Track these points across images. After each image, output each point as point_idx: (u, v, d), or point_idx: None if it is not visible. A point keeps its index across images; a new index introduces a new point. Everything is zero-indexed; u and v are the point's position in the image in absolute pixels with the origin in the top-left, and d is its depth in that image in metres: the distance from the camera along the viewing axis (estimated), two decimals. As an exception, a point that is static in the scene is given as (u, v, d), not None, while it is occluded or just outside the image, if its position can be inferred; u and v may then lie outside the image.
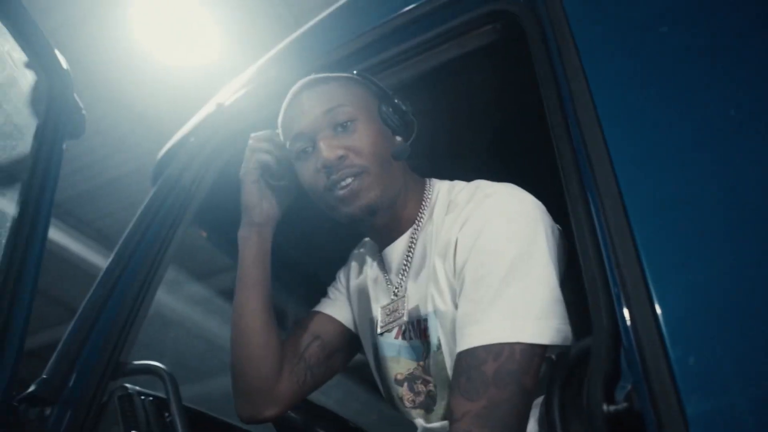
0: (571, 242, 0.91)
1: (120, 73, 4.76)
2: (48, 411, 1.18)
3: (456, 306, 1.04)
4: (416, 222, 1.20)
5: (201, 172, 1.49)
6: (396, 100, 1.20)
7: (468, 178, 1.22)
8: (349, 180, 1.11)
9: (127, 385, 1.25)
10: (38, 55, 1.29)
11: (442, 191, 1.20)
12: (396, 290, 1.21)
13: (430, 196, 1.21)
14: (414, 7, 1.28)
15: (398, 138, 1.21)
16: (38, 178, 1.27)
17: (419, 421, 1.17)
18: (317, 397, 1.59)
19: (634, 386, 0.65)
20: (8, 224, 1.21)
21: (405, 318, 1.16)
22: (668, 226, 0.72)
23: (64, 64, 1.37)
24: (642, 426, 0.63)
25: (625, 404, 0.66)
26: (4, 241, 1.18)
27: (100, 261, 5.94)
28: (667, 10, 0.91)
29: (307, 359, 1.29)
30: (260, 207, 1.26)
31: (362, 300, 1.32)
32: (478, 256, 1.01)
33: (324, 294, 1.43)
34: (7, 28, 1.21)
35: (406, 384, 1.18)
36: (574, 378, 0.79)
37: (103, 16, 4.34)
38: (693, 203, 0.72)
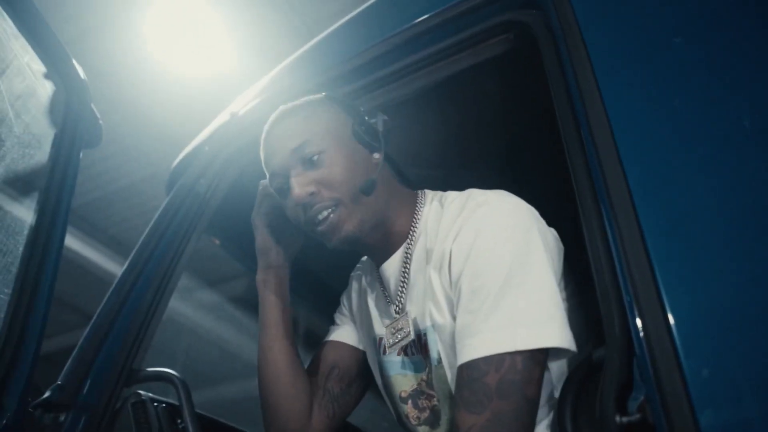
0: (582, 252, 0.91)
1: (135, 82, 4.82)
2: (63, 417, 1.19)
3: (454, 318, 1.03)
4: (409, 236, 1.19)
5: (215, 181, 1.51)
6: (366, 117, 1.19)
7: (480, 188, 1.22)
8: (324, 214, 1.12)
9: (141, 391, 1.26)
10: (56, 66, 1.32)
11: (434, 203, 1.19)
12: (397, 308, 1.19)
13: (422, 209, 1.20)
14: (427, 18, 1.28)
15: (375, 155, 1.19)
16: (55, 187, 1.29)
17: None
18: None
19: (647, 397, 0.65)
20: (26, 232, 1.22)
21: (412, 335, 1.15)
22: (681, 235, 0.72)
23: (82, 75, 1.39)
24: (655, 437, 0.63)
25: (638, 415, 0.65)
26: (21, 249, 1.20)
27: (114, 267, 6.00)
28: (680, 17, 0.91)
29: (330, 391, 1.30)
30: (275, 249, 1.30)
31: (365, 319, 1.32)
32: (472, 267, 1.00)
33: (333, 303, 1.44)
34: (27, 40, 1.23)
35: (410, 401, 1.18)
36: (586, 389, 0.78)
37: (118, 28, 4.40)
38: (706, 212, 0.72)
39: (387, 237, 1.19)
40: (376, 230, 1.17)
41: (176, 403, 1.25)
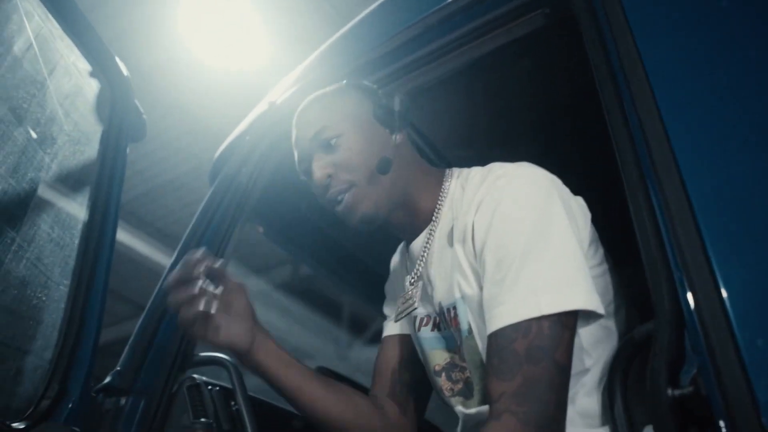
0: (629, 228, 0.89)
1: (173, 78, 4.92)
2: (123, 401, 1.24)
3: (482, 289, 1.04)
4: (435, 214, 1.20)
5: (257, 170, 1.53)
6: (385, 100, 1.21)
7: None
8: (341, 197, 1.16)
9: (195, 375, 1.30)
10: (101, 64, 1.36)
11: (459, 179, 1.20)
12: (412, 279, 1.22)
13: (447, 187, 1.21)
14: (459, -3, 1.27)
15: (395, 136, 1.20)
16: (105, 181, 1.34)
17: (459, 409, 1.17)
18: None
19: (700, 369, 0.64)
20: (80, 226, 1.28)
21: (416, 305, 1.18)
22: (731, 205, 0.70)
23: (125, 72, 1.43)
24: (708, 410, 0.62)
25: (690, 388, 0.65)
26: (76, 242, 1.25)
27: (162, 258, 6.17)
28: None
29: (406, 383, 1.32)
30: (236, 340, 1.08)
31: (400, 301, 1.33)
32: (495, 238, 1.01)
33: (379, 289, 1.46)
34: (72, 40, 1.27)
35: (443, 374, 1.19)
36: (636, 362, 0.77)
37: (155, 25, 4.50)
38: (756, 182, 0.70)
39: (413, 215, 1.21)
40: (399, 209, 1.19)
41: (229, 386, 1.29)
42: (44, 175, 1.22)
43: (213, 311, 1.01)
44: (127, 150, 1.45)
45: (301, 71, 1.60)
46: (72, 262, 1.24)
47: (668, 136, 0.78)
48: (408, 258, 1.28)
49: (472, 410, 1.13)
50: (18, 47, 1.13)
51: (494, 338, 0.95)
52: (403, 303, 1.23)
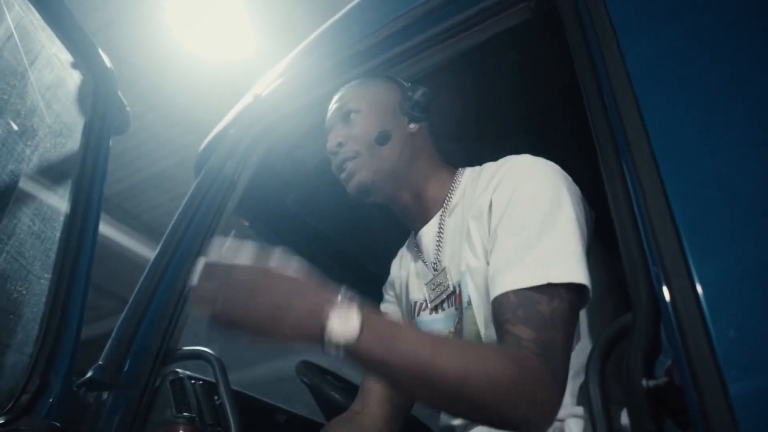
0: (608, 220, 0.90)
1: (160, 70, 4.88)
2: (105, 395, 1.24)
3: (488, 264, 1.06)
4: (445, 202, 1.25)
5: (242, 162, 1.52)
6: (410, 93, 1.29)
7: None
8: (346, 164, 1.25)
9: (178, 370, 1.29)
10: (83, 56, 1.35)
11: (473, 172, 1.26)
12: (435, 264, 1.25)
13: (459, 179, 1.27)
14: (447, -11, 1.27)
15: (412, 125, 1.29)
16: (87, 174, 1.33)
17: None
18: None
19: (674, 360, 0.65)
20: (61, 218, 1.27)
21: (451, 288, 1.19)
22: (706, 200, 0.71)
23: (108, 63, 1.42)
24: (682, 401, 0.63)
25: (665, 379, 0.66)
26: (58, 235, 1.24)
27: (148, 252, 6.13)
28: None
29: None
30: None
31: (404, 290, 1.37)
32: (513, 213, 1.05)
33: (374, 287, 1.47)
34: (54, 31, 1.26)
35: None
36: (614, 353, 0.78)
37: (141, 16, 4.46)
38: (732, 179, 0.71)
39: (422, 202, 1.27)
40: (405, 191, 1.26)
41: (213, 380, 1.29)
42: (25, 167, 1.21)
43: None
44: (111, 142, 1.44)
45: (287, 63, 1.60)
46: (53, 256, 1.23)
47: (647, 132, 0.79)
48: (417, 247, 1.32)
49: None
50: (-3, 37, 1.12)
51: (511, 295, 0.95)
52: (434, 289, 1.24)
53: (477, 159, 1.30)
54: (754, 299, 0.63)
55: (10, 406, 1.10)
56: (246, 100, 1.62)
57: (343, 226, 1.97)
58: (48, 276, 1.21)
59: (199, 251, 1.42)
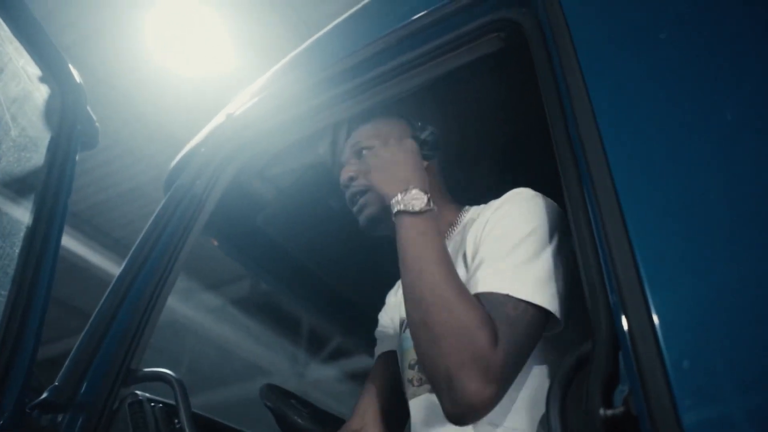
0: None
1: (138, 85, 4.85)
2: (60, 417, 1.20)
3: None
4: (448, 231, 1.33)
5: (212, 181, 1.51)
6: (419, 132, 1.38)
7: (474, 186, 1.24)
8: (357, 198, 1.34)
9: (138, 392, 1.26)
10: (52, 69, 1.33)
11: (477, 207, 1.33)
12: None
13: (464, 216, 1.33)
14: (419, 17, 1.29)
15: (425, 162, 1.32)
16: (52, 189, 1.30)
17: (423, 398, 1.20)
18: (327, 402, 1.60)
19: (631, 390, 0.65)
20: (22, 234, 1.24)
21: None
22: (665, 233, 0.72)
23: (78, 78, 1.40)
24: (638, 430, 0.63)
25: (622, 408, 0.66)
26: (17, 251, 1.21)
27: (117, 270, 6.02)
28: (668, 16, 0.91)
29: (396, 401, 1.37)
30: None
31: (396, 312, 1.44)
32: (499, 227, 1.10)
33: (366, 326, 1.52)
34: (22, 44, 1.24)
35: (417, 366, 1.24)
36: (573, 382, 0.79)
37: (120, 31, 4.43)
38: (690, 212, 0.73)
39: None
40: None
41: (173, 403, 1.26)
42: (-14, 180, 1.18)
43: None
44: (78, 158, 1.41)
45: (261, 84, 1.60)
46: (11, 272, 1.20)
47: (608, 161, 0.80)
48: None
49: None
50: (-37, 49, 1.10)
51: (487, 296, 1.00)
52: None
53: (453, 182, 1.31)
54: (709, 331, 0.64)
55: (-43, 427, 1.06)
56: (218, 119, 1.61)
57: (311, 246, 1.96)
58: (5, 293, 1.18)
59: (165, 270, 1.40)
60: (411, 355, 1.25)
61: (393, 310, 1.49)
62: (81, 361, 1.26)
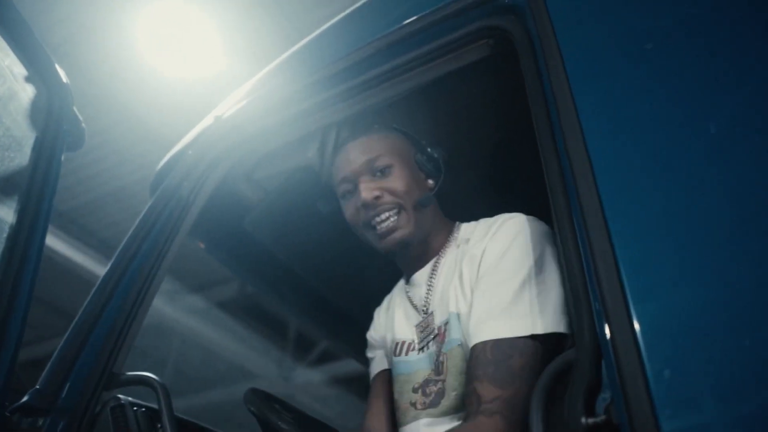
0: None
1: (127, 85, 4.81)
2: (41, 421, 1.19)
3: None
4: (442, 249, 1.35)
5: (199, 183, 1.51)
6: (429, 149, 1.39)
7: (462, 192, 1.25)
8: (384, 215, 1.30)
9: (120, 396, 1.25)
10: (38, 69, 1.32)
11: (469, 225, 1.35)
12: (425, 308, 1.32)
13: (456, 233, 1.35)
14: (409, 23, 1.29)
15: (430, 181, 1.39)
16: (36, 189, 1.29)
17: (424, 421, 1.22)
18: (316, 408, 1.60)
19: (613, 399, 0.65)
20: (4, 235, 1.22)
21: (436, 331, 1.26)
22: (648, 243, 0.73)
23: (64, 78, 1.39)
24: (619, 439, 0.63)
25: (603, 416, 0.66)
26: (0, 249, 1.20)
27: (102, 270, 5.95)
28: (654, 24, 0.92)
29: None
30: None
31: (389, 332, 1.43)
32: (500, 265, 1.14)
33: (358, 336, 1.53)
34: (8, 43, 1.23)
35: (420, 390, 1.26)
36: (556, 390, 0.79)
37: (110, 31, 4.40)
38: (674, 221, 0.73)
39: (423, 252, 1.36)
40: (419, 245, 1.34)
41: (156, 407, 1.25)
42: (-31, 180, 1.17)
43: None
44: (63, 158, 1.40)
45: (250, 87, 1.59)
46: (-7, 272, 1.18)
47: (593, 170, 0.81)
48: (407, 291, 1.40)
49: (438, 414, 1.21)
50: (-53, 47, 1.09)
51: (488, 348, 1.07)
52: (422, 330, 1.31)
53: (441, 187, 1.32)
54: (690, 340, 0.65)
55: (-65, 431, 1.04)
56: (206, 121, 1.60)
57: (298, 250, 1.96)
58: (-14, 293, 1.16)
59: (150, 272, 1.39)
60: (416, 379, 1.27)
61: (383, 329, 1.48)
62: (63, 363, 1.25)
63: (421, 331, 1.31)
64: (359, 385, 1.71)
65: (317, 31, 1.55)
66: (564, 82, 0.91)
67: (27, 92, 1.32)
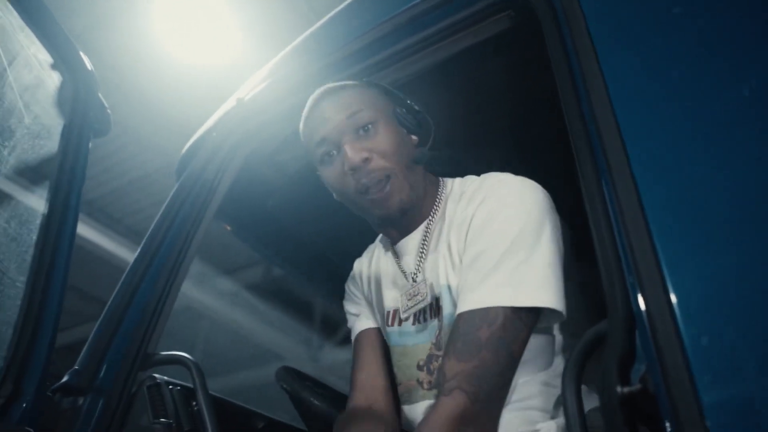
0: (585, 231, 0.91)
1: (145, 73, 4.85)
2: (81, 400, 1.22)
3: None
4: (431, 215, 1.25)
5: (223, 166, 1.52)
6: (408, 101, 1.25)
7: (484, 168, 1.23)
8: (381, 183, 1.16)
9: (156, 375, 1.28)
10: (63, 57, 1.33)
11: (455, 185, 1.26)
12: (414, 275, 1.24)
13: (444, 192, 1.26)
14: (428, -2, 1.28)
15: (414, 137, 1.27)
16: (66, 176, 1.31)
17: (429, 402, 1.16)
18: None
19: (648, 368, 0.65)
20: (38, 221, 1.25)
21: (429, 299, 1.19)
22: (681, 211, 0.72)
23: (89, 65, 1.40)
24: (656, 407, 0.63)
25: (639, 386, 0.66)
26: (34, 237, 1.23)
27: (131, 256, 6.05)
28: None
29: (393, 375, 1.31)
30: None
31: (375, 296, 1.35)
32: (485, 232, 1.08)
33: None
34: (33, 31, 1.24)
35: (425, 368, 1.19)
36: (589, 361, 0.79)
37: (127, 19, 4.42)
38: (707, 191, 0.72)
39: (412, 215, 1.24)
40: (412, 207, 1.22)
41: (190, 385, 1.28)
42: (1, 168, 1.19)
43: None
44: (90, 145, 1.42)
45: (271, 68, 1.59)
46: (29, 259, 1.21)
47: (623, 140, 0.79)
48: (396, 256, 1.30)
49: None
50: (-25, 37, 1.11)
51: (460, 321, 1.02)
52: (410, 299, 1.23)
53: (460, 165, 1.31)
54: (727, 307, 0.64)
55: (-19, 411, 1.08)
56: (228, 104, 1.61)
57: (322, 230, 1.97)
58: (23, 279, 1.19)
59: (179, 255, 1.41)
60: (417, 354, 1.20)
61: (369, 290, 1.38)
62: (99, 345, 1.28)
63: (409, 299, 1.23)
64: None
65: (335, 10, 1.54)
66: (591, 51, 0.89)
67: (53, 80, 1.33)
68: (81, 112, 1.38)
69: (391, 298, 1.29)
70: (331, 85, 1.27)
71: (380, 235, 1.42)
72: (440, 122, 1.72)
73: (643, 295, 0.69)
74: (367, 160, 1.15)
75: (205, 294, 6.39)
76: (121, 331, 1.30)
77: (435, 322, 1.17)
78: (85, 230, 5.77)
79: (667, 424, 0.61)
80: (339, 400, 1.50)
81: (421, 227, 1.25)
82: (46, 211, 1.27)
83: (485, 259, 1.04)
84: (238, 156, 1.53)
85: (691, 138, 0.77)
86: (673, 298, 0.66)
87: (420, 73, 1.36)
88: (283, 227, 1.96)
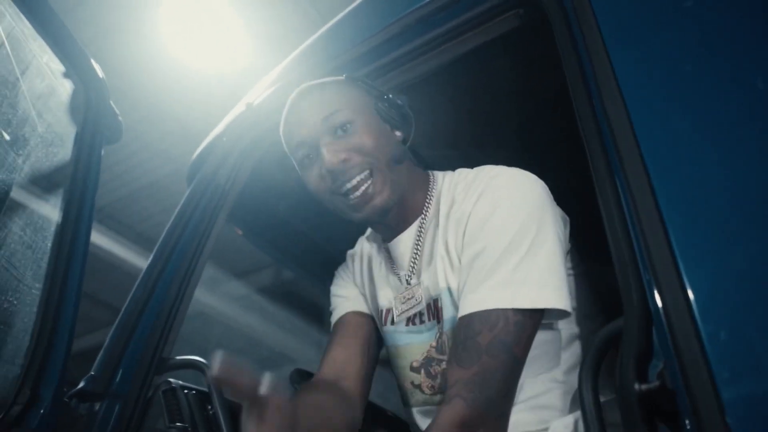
0: (599, 229, 0.90)
1: (154, 80, 4.88)
2: (97, 406, 1.23)
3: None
4: (423, 213, 1.21)
5: (234, 171, 1.53)
6: (389, 95, 1.21)
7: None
8: (356, 179, 1.11)
9: (171, 379, 1.29)
10: (75, 65, 1.34)
11: (446, 180, 1.22)
12: (408, 278, 1.21)
13: (435, 188, 1.22)
14: (436, -2, 1.28)
15: (398, 133, 1.21)
16: (79, 183, 1.33)
17: (426, 409, 1.16)
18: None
19: (666, 364, 0.65)
20: (53, 228, 1.26)
21: (423, 303, 1.17)
22: (697, 207, 0.71)
23: (100, 73, 1.42)
24: (674, 404, 0.63)
25: (657, 382, 0.66)
26: (49, 244, 1.24)
27: (142, 262, 6.09)
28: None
29: (373, 360, 1.31)
30: None
31: (369, 293, 1.33)
32: (485, 232, 1.04)
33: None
34: (45, 40, 1.26)
35: (422, 370, 1.17)
36: (606, 357, 0.78)
37: (135, 26, 4.45)
38: (721, 186, 0.71)
39: (402, 213, 1.21)
40: (398, 206, 1.18)
41: (206, 390, 1.28)
42: (16, 176, 1.20)
43: None
44: (103, 152, 1.43)
45: (279, 72, 1.60)
46: (45, 266, 1.22)
47: (636, 137, 0.79)
48: (387, 255, 1.28)
49: None
50: (-12, 48, 1.12)
51: (461, 325, 0.99)
52: (404, 302, 1.21)
53: (469, 165, 1.30)
54: (745, 303, 0.63)
55: (0, 417, 1.09)
56: (238, 108, 1.62)
57: (334, 234, 1.97)
58: (39, 286, 1.21)
59: (192, 260, 1.42)
60: (412, 356, 1.18)
61: (363, 284, 1.35)
62: (114, 351, 1.29)
63: (403, 302, 1.20)
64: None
65: (342, 13, 1.55)
66: (601, 49, 0.89)
67: (65, 88, 1.35)
68: (93, 120, 1.39)
69: (385, 298, 1.27)
70: (309, 83, 1.23)
71: (367, 234, 1.41)
72: (449, 122, 1.72)
73: (659, 292, 0.68)
74: (345, 161, 1.11)
75: (217, 298, 6.42)
76: (136, 336, 1.31)
77: (434, 325, 1.15)
78: (95, 237, 5.79)
79: (687, 421, 0.61)
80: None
81: (414, 225, 1.21)
82: (60, 219, 1.28)
83: (485, 257, 1.01)
84: (248, 160, 1.54)
85: (706, 134, 0.77)
86: (690, 294, 0.66)
87: (428, 74, 1.36)
88: (293, 230, 1.97)
